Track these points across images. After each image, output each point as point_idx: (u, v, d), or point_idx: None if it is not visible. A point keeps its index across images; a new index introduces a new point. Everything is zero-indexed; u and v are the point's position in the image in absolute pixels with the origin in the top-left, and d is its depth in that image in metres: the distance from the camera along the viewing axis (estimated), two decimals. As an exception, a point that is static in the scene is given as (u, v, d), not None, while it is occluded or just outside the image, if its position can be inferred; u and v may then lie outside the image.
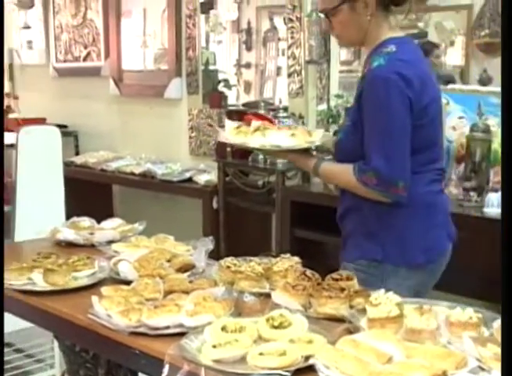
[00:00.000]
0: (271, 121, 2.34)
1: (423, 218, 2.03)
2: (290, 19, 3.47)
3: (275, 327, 1.52)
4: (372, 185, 1.95)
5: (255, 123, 2.17)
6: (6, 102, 3.70)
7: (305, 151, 2.14)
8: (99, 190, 4.45)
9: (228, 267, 1.91)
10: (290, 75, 3.56)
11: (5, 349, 3.30)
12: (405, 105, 1.92)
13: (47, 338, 3.45)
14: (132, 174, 4.01)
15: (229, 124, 2.20)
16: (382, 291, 1.65)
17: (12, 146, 3.32)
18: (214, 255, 2.15)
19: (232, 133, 2.15)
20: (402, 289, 1.80)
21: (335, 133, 2.23)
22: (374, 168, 1.93)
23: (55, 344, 3.46)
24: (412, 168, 1.96)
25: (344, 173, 2.02)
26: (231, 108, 4.40)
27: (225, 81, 5.09)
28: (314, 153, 2.18)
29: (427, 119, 1.98)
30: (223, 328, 1.52)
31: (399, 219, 2.01)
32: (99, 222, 2.56)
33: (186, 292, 1.76)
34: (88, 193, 4.30)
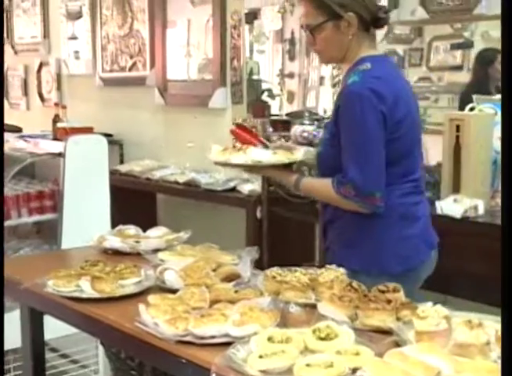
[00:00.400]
0: (256, 136, 2.39)
1: (399, 229, 2.11)
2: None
3: (322, 339, 1.52)
4: (350, 196, 2.04)
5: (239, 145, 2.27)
6: (55, 111, 3.76)
7: (286, 167, 2.22)
8: (143, 199, 4.49)
9: (274, 277, 1.91)
10: (334, 85, 3.56)
11: (51, 354, 3.35)
12: (378, 119, 2.01)
13: (92, 344, 3.49)
14: (176, 183, 4.03)
15: (215, 147, 2.29)
16: (429, 303, 1.63)
17: (60, 154, 3.37)
18: (258, 265, 2.16)
19: (218, 154, 2.25)
20: None
21: (317, 146, 2.28)
22: (351, 180, 2.02)
23: (100, 350, 3.50)
24: (387, 180, 2.05)
25: (324, 187, 2.11)
26: (274, 118, 4.41)
27: (269, 90, 5.11)
28: (294, 169, 2.25)
29: (400, 132, 2.06)
30: (269, 339, 1.52)
31: (375, 230, 2.10)
32: (142, 230, 2.58)
33: (232, 302, 1.76)
34: (132, 201, 4.34)
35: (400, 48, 4.23)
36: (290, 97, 5.58)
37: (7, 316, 3.22)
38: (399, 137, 2.06)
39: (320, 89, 5.37)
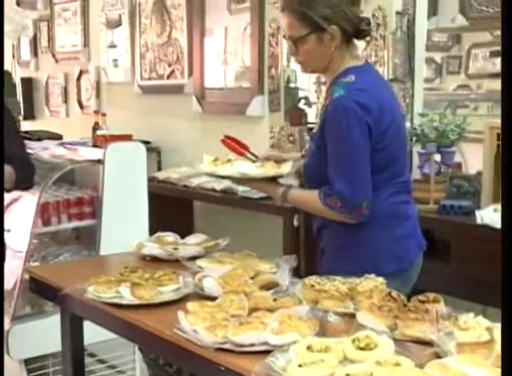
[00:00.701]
0: (244, 147, 2.43)
1: (391, 229, 2.17)
2: (374, 38, 3.46)
3: (361, 348, 1.51)
4: (337, 207, 2.09)
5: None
6: (95, 118, 3.81)
7: (273, 180, 2.26)
8: (181, 206, 4.51)
9: (313, 286, 1.90)
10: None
11: (89, 360, 3.38)
12: (363, 131, 2.06)
13: (129, 350, 3.51)
14: (213, 190, 4.05)
15: (206, 157, 2.35)
16: (471, 314, 1.62)
17: (99, 161, 3.41)
18: (295, 273, 2.16)
19: (207, 165, 2.31)
20: None
21: (302, 158, 2.30)
22: (338, 192, 2.08)
23: (137, 356, 3.52)
24: (374, 186, 2.11)
25: (311, 198, 2.16)
26: (311, 125, 4.40)
27: (306, 98, 5.10)
28: (281, 181, 2.28)
29: (386, 142, 2.11)
30: (308, 347, 1.51)
31: (367, 232, 2.15)
32: (180, 237, 2.60)
33: (271, 310, 1.76)
34: (170, 208, 4.37)
35: (438, 56, 4.19)
36: (327, 105, 5.56)
37: (47, 321, 3.28)
38: (385, 146, 2.11)
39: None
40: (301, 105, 4.82)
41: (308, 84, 5.62)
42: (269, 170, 2.26)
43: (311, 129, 4.04)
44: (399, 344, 1.56)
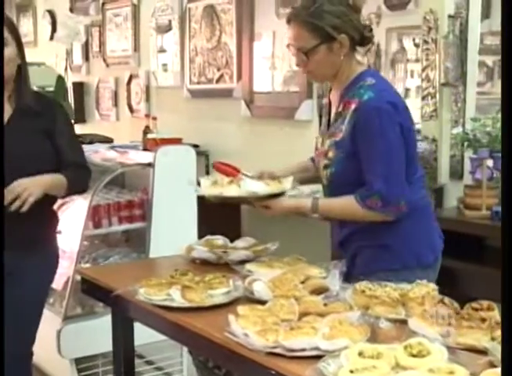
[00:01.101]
0: (236, 170, 2.48)
1: (424, 221, 2.27)
2: (425, 41, 3.42)
3: (414, 355, 1.49)
4: (377, 208, 2.13)
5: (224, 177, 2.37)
6: (145, 122, 3.85)
7: (279, 196, 2.27)
8: (228, 209, 4.52)
9: (363, 291, 1.89)
10: (423, 98, 3.50)
11: (138, 361, 3.41)
12: (396, 130, 2.12)
13: (176, 352, 3.54)
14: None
15: (203, 181, 2.35)
16: (526, 323, 1.58)
17: (149, 164, 3.45)
18: (345, 278, 2.14)
19: (210, 188, 2.31)
20: None
21: (326, 167, 2.27)
22: (378, 192, 2.11)
23: (185, 358, 3.55)
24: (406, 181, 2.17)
25: (346, 204, 2.18)
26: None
27: (355, 102, 5.07)
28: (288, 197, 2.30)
29: (410, 137, 2.20)
30: (360, 353, 1.51)
31: (407, 227, 2.20)
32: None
33: (321, 315, 1.76)
34: (218, 211, 4.38)
35: (489, 60, 4.13)
36: (375, 109, 5.53)
37: (97, 321, 3.33)
38: (409, 143, 2.19)
39: (405, 102, 5.30)
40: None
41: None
42: (274, 187, 2.28)
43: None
44: (452, 352, 1.54)
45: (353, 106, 2.15)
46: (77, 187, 2.56)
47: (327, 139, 2.26)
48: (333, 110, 2.28)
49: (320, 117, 2.52)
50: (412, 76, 4.11)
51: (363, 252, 2.26)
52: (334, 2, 2.18)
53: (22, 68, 2.43)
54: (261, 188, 2.25)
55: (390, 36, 4.21)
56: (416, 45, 3.69)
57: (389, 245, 2.21)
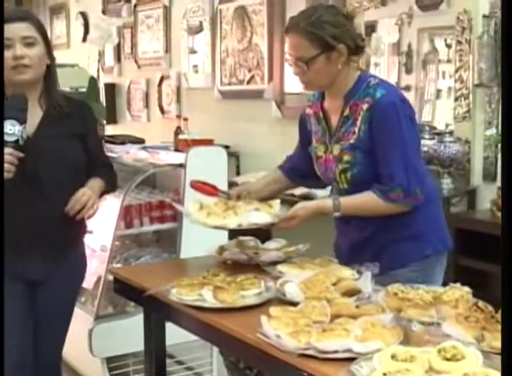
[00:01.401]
0: (214, 188, 2.56)
1: (440, 207, 2.41)
2: (459, 42, 3.40)
3: (448, 359, 1.48)
4: (400, 199, 2.19)
5: (210, 199, 2.45)
6: (176, 123, 3.86)
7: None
8: (259, 210, 4.53)
9: (396, 294, 1.88)
10: (456, 99, 3.47)
11: (168, 361, 3.42)
12: (409, 123, 2.21)
13: (207, 352, 3.55)
14: (292, 195, 4.04)
15: (191, 206, 2.41)
16: None
17: (180, 165, 3.46)
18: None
19: (200, 214, 2.34)
20: (441, 275, 2.30)
21: (344, 171, 2.31)
22: (400, 184, 2.18)
23: (215, 358, 3.56)
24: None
25: (368, 200, 2.23)
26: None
27: (385, 104, 5.05)
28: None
29: (416, 129, 2.29)
30: (393, 356, 1.49)
31: (433, 212, 2.32)
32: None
33: (353, 317, 1.75)
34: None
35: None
36: (406, 110, 5.49)
37: (129, 321, 3.35)
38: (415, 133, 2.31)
39: (437, 102, 5.26)
40: (381, 110, 4.76)
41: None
42: (266, 211, 2.36)
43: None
44: (487, 356, 1.52)
45: (365, 106, 2.21)
46: (110, 189, 2.58)
47: (335, 144, 2.30)
48: (334, 117, 2.32)
49: (303, 126, 2.54)
50: (443, 77, 4.08)
51: (392, 246, 2.27)
52: (332, 12, 2.24)
53: (51, 68, 2.40)
54: (263, 218, 2.32)
55: (421, 36, 4.19)
56: (448, 46, 3.66)
57: (421, 233, 2.28)
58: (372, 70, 5.56)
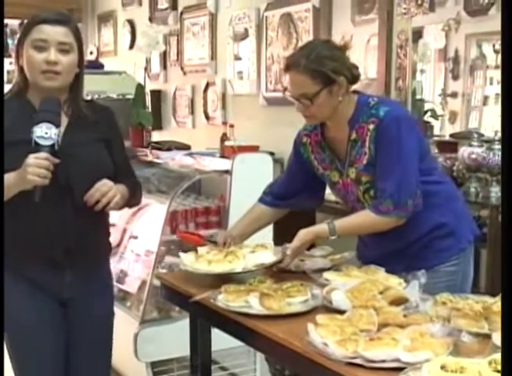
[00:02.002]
0: (201, 237, 2.61)
1: (463, 201, 2.51)
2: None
3: (499, 371, 1.46)
4: (390, 211, 2.23)
5: (201, 249, 2.45)
6: (222, 129, 3.88)
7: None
8: (303, 218, 4.51)
9: (444, 303, 1.86)
10: (505, 106, 3.42)
11: (212, 366, 3.44)
12: (414, 133, 2.28)
13: (250, 359, 3.56)
14: (336, 202, 4.01)
15: (185, 256, 2.41)
16: None
17: (226, 172, 3.48)
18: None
19: (200, 264, 2.33)
20: (473, 263, 2.40)
21: (367, 191, 2.36)
22: (390, 196, 2.23)
23: (258, 365, 3.56)
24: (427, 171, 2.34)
25: (362, 217, 2.31)
26: (438, 139, 4.31)
27: (432, 110, 5.00)
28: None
29: (421, 137, 2.40)
30: (442, 367, 1.48)
31: (459, 206, 2.42)
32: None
33: (401, 326, 1.74)
34: (292, 219, 4.38)
35: None
36: (452, 117, 5.42)
37: (174, 326, 3.37)
38: (422, 140, 2.40)
39: (484, 109, 5.18)
40: (427, 117, 4.73)
41: (432, 96, 5.52)
42: (268, 253, 2.39)
43: (439, 143, 3.96)
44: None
45: (371, 126, 2.28)
46: (133, 201, 2.42)
47: (350, 168, 2.36)
48: (340, 143, 2.38)
49: (298, 154, 2.63)
50: (491, 83, 4.03)
51: (429, 249, 2.34)
52: (329, 47, 2.32)
53: (79, 77, 2.27)
54: (267, 258, 2.33)
55: (469, 42, 4.15)
56: (496, 52, 3.61)
57: (455, 228, 2.36)
58: (418, 77, 5.53)
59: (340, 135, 2.38)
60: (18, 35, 2.26)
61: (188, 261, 2.37)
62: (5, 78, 6.65)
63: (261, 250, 2.40)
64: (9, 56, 6.70)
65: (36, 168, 2.02)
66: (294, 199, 2.63)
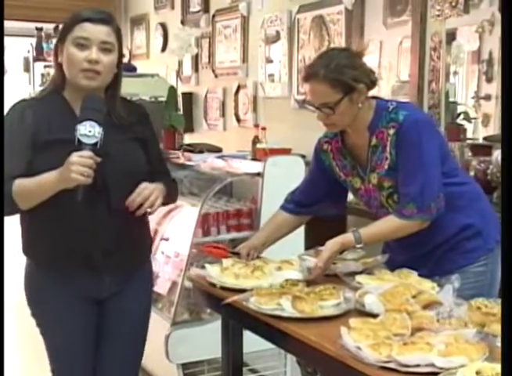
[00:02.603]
0: (225, 250, 2.61)
1: (487, 201, 2.49)
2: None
3: (535, 377, 1.44)
4: (414, 214, 2.24)
5: (226, 261, 2.45)
6: (254, 132, 3.88)
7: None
8: (334, 220, 4.49)
9: (479, 308, 1.84)
10: (540, 108, 3.37)
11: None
12: (435, 136, 2.29)
13: (281, 362, 3.55)
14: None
15: (210, 268, 2.42)
16: None
17: (258, 174, 3.48)
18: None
19: (225, 275, 2.33)
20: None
21: (390, 195, 2.37)
22: (413, 199, 2.23)
23: (288, 367, 3.55)
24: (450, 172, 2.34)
25: (386, 223, 2.31)
26: (472, 142, 4.26)
27: (465, 113, 4.95)
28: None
29: (442, 138, 2.45)
30: (478, 372, 1.47)
31: (484, 206, 2.42)
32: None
33: (434, 331, 1.72)
34: (323, 222, 4.36)
35: None
36: (486, 120, 5.36)
37: (205, 328, 3.38)
38: (443, 141, 2.42)
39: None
40: (460, 120, 4.69)
41: (465, 99, 5.47)
42: (292, 269, 2.38)
43: (473, 146, 3.92)
44: None
45: (392, 131, 2.28)
46: (170, 200, 2.40)
47: (372, 174, 2.37)
48: (361, 149, 2.39)
49: (319, 161, 2.65)
50: (525, 86, 3.96)
51: (456, 250, 2.34)
52: (347, 55, 2.32)
53: (117, 78, 2.25)
54: (294, 275, 2.31)
55: (504, 44, 4.09)
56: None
57: (482, 229, 2.35)
58: (451, 79, 5.48)
59: (361, 141, 2.38)
60: (57, 35, 2.24)
61: (214, 273, 2.38)
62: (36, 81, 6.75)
63: (286, 266, 2.40)
64: (44, 60, 6.79)
65: (80, 167, 1.99)
66: (317, 206, 2.65)
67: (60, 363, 2.27)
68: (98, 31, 2.14)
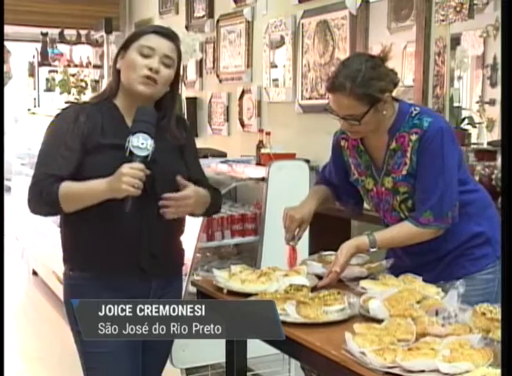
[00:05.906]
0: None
1: (496, 209, 2.44)
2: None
3: (541, 383, 1.43)
4: (430, 222, 2.24)
5: (234, 267, 2.43)
6: (259, 137, 3.89)
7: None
8: (338, 225, 4.50)
9: (484, 314, 1.83)
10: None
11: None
12: (455, 145, 2.29)
13: (284, 367, 3.54)
14: (371, 209, 4.00)
15: (219, 273, 2.40)
16: None
17: (262, 179, 3.48)
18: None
19: (233, 280, 2.32)
20: None
21: (404, 200, 2.35)
22: (430, 208, 2.23)
23: (292, 373, 3.55)
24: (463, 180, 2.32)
25: (402, 229, 2.30)
26: (477, 147, 4.26)
27: (470, 118, 4.94)
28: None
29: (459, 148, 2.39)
30: (483, 379, 1.46)
31: (493, 215, 2.38)
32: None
33: (439, 336, 1.72)
34: (327, 226, 4.36)
35: None
36: (490, 125, 5.36)
37: (210, 333, 3.37)
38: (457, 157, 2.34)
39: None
40: (464, 125, 4.68)
41: (470, 104, 5.46)
42: (304, 274, 2.36)
43: (477, 151, 3.92)
44: None
45: (414, 137, 2.26)
46: (213, 209, 2.40)
47: (386, 177, 2.35)
48: (378, 150, 2.36)
49: (338, 156, 2.59)
50: (530, 91, 3.96)
51: (464, 257, 2.33)
52: (372, 65, 2.24)
53: (173, 97, 2.27)
54: (301, 281, 2.29)
55: (509, 49, 4.08)
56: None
57: (491, 236, 2.33)
58: (455, 84, 5.47)
59: (379, 142, 2.35)
60: (120, 44, 2.26)
61: (221, 278, 2.38)
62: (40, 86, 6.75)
63: (294, 274, 2.38)
64: (49, 65, 6.81)
65: (131, 179, 2.01)
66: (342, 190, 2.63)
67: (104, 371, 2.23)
68: (163, 44, 2.19)
